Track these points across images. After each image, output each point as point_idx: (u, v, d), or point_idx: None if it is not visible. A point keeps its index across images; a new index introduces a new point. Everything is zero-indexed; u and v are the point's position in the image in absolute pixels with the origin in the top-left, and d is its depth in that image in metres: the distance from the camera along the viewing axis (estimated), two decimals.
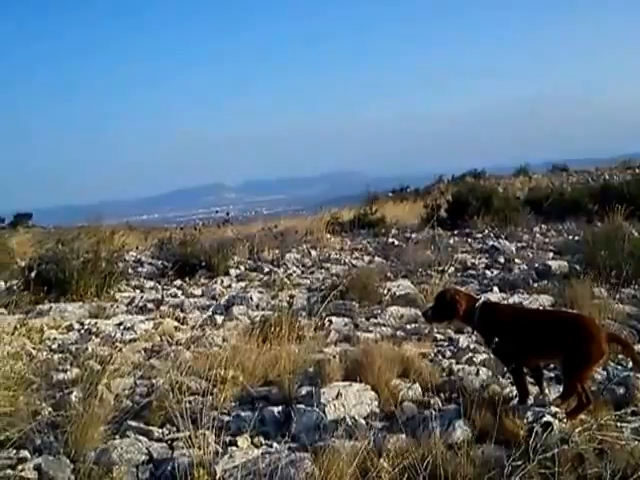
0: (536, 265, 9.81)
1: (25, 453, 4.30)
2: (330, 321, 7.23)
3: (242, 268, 11.82)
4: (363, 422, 4.59)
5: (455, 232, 14.78)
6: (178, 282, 10.65)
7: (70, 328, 7.56)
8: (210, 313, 8.25)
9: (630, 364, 5.22)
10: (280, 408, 4.87)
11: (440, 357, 6.06)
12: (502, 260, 10.76)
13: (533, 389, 4.76)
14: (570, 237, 12.82)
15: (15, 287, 9.34)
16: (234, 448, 4.27)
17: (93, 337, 7.11)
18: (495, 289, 8.54)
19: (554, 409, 4.32)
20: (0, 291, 9.06)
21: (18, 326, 7.29)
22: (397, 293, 8.45)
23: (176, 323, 7.78)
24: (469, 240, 13.59)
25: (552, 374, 5.26)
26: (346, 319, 7.46)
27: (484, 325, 4.74)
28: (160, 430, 4.64)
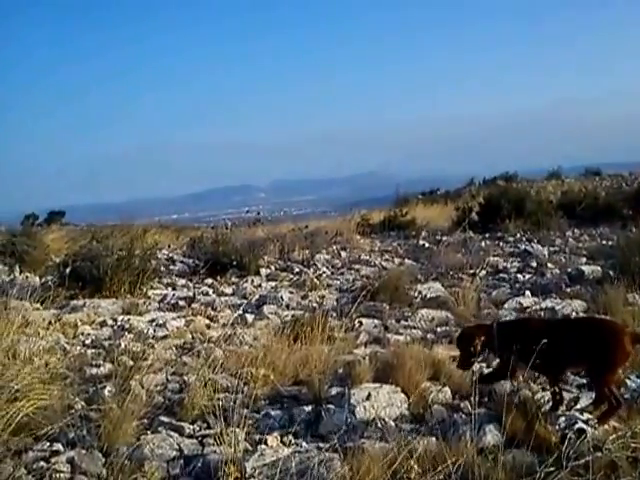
0: (569, 270, 9.69)
1: (58, 446, 4.37)
2: (360, 322, 7.24)
3: (272, 268, 11.87)
4: (393, 424, 4.60)
5: (487, 235, 14.65)
6: (209, 280, 10.72)
7: (103, 324, 7.67)
8: (241, 312, 8.29)
9: None
10: (310, 408, 4.88)
11: None
12: (534, 264, 10.63)
13: (566, 395, 4.72)
14: (604, 242, 12.64)
15: (50, 283, 9.47)
16: (264, 446, 4.29)
17: (126, 333, 7.19)
18: (527, 293, 8.45)
19: (587, 416, 4.28)
20: (35, 287, 9.17)
21: (53, 321, 7.42)
22: (428, 296, 8.42)
23: (207, 321, 7.85)
24: (501, 244, 13.47)
25: (584, 380, 5.20)
26: (376, 321, 7.45)
27: (505, 345, 4.62)
28: (191, 426, 4.68)
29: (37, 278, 10.58)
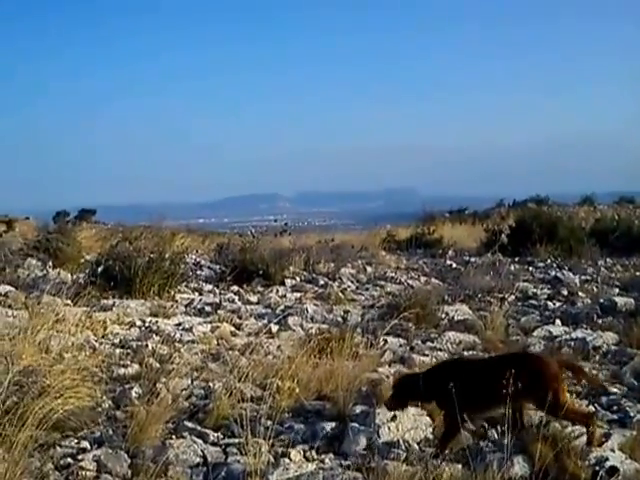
0: (601, 300, 9.50)
1: (85, 444, 4.43)
2: (385, 340, 7.19)
3: (297, 279, 11.87)
4: (417, 447, 4.58)
5: (516, 259, 14.52)
6: (235, 288, 10.76)
7: (132, 324, 7.73)
8: (266, 321, 8.33)
9: None
10: (333, 424, 4.87)
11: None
12: (565, 292, 10.48)
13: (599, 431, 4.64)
14: (637, 273, 12.45)
15: (81, 280, 9.58)
16: (287, 460, 4.30)
17: (153, 335, 7.24)
18: (557, 322, 8.30)
19: (620, 453, 4.21)
20: (67, 283, 9.28)
21: (83, 319, 7.49)
22: (455, 318, 8.35)
23: (233, 328, 7.87)
24: (531, 268, 13.33)
25: (615, 416, 5.12)
26: (401, 340, 7.41)
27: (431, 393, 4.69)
28: (215, 434, 4.70)
29: (69, 275, 10.71)
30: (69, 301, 7.97)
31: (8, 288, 9.22)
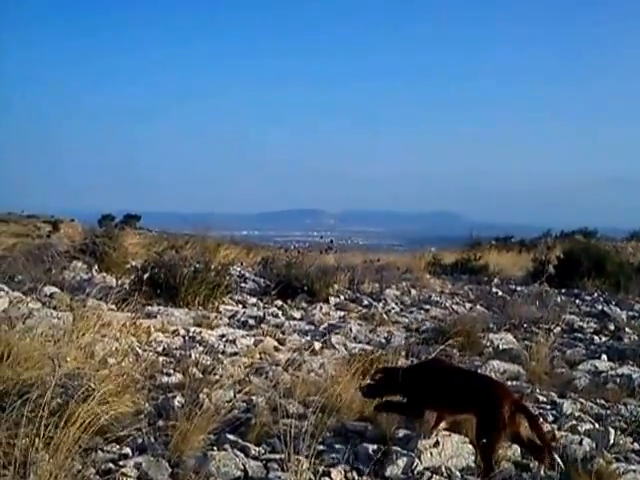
0: None
1: (127, 450, 4.44)
2: None
3: (342, 297, 11.85)
4: (459, 475, 4.51)
5: (563, 291, 14.30)
6: (279, 302, 10.77)
7: (176, 333, 7.78)
8: (309, 338, 8.32)
9: None
10: (375, 447, 4.80)
11: (542, 420, 5.83)
12: (612, 327, 10.29)
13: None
14: None
15: (127, 286, 9.69)
16: (327, 479, 4.26)
17: (197, 345, 7.26)
18: (603, 357, 8.16)
19: None
20: (111, 288, 9.40)
21: (127, 324, 7.57)
22: (500, 347, 8.24)
23: (276, 343, 7.86)
24: (577, 301, 13.10)
25: None
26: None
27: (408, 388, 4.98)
28: (257, 448, 4.67)
29: (114, 280, 10.85)
30: (114, 306, 8.05)
31: (54, 289, 9.38)
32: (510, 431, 4.49)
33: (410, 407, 4.97)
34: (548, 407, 6.23)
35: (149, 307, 8.83)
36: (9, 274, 9.94)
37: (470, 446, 4.82)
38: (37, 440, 3.83)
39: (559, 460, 4.53)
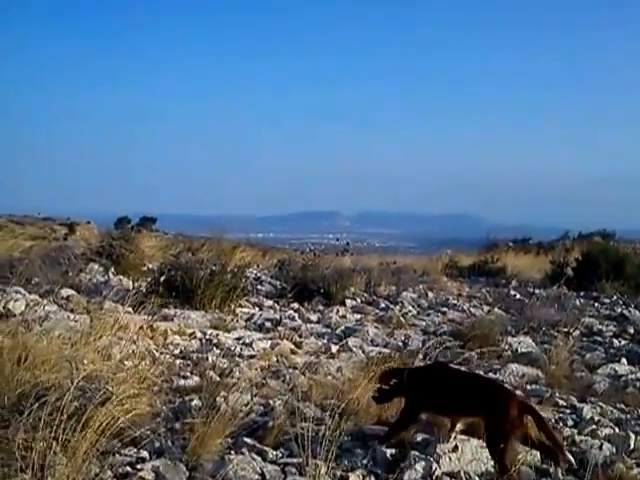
0: None
1: (144, 453, 4.43)
2: None
3: (358, 300, 11.80)
4: None
5: (581, 293, 14.17)
6: (295, 305, 10.75)
7: (192, 336, 7.78)
8: (325, 341, 8.30)
9: None
10: (393, 451, 4.77)
11: (561, 424, 5.77)
12: (631, 331, 10.19)
13: None
14: None
15: (143, 289, 9.70)
16: None
17: (214, 348, 7.26)
18: (623, 361, 8.07)
19: None
20: (128, 290, 9.42)
21: (144, 327, 7.58)
22: (519, 350, 8.17)
23: (292, 346, 7.84)
24: (596, 304, 12.99)
25: None
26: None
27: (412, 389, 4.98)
28: (274, 452, 4.65)
29: (130, 282, 10.87)
30: (130, 309, 8.07)
31: (70, 292, 9.41)
32: (519, 433, 4.46)
33: (406, 410, 4.94)
34: (568, 411, 6.17)
35: (166, 310, 8.84)
36: (26, 277, 9.98)
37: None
38: (55, 443, 3.83)
39: (572, 459, 4.57)
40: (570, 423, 5.83)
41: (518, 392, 5.43)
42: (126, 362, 5.80)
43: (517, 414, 4.44)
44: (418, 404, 4.89)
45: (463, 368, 6.78)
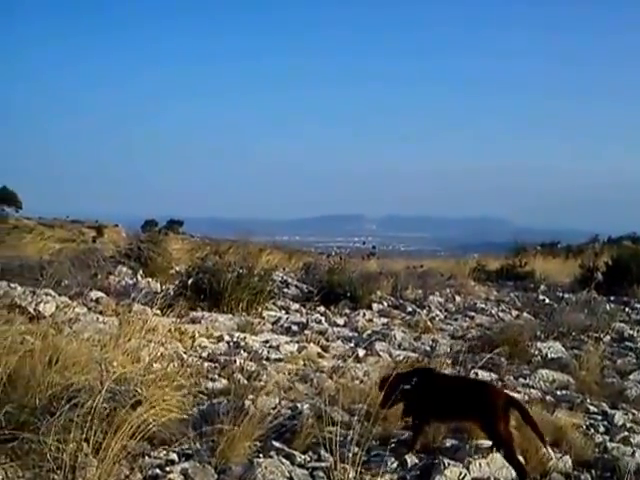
0: None
1: (173, 456, 4.45)
2: (476, 374, 6.99)
3: (385, 304, 11.78)
4: None
5: (612, 298, 13.97)
6: (322, 309, 10.76)
7: (220, 339, 7.82)
8: (352, 345, 8.28)
9: None
10: (422, 456, 4.75)
11: (592, 431, 5.69)
12: None
13: None
14: None
15: (171, 291, 9.76)
16: None
17: (241, 351, 7.29)
18: None
19: None
20: (156, 293, 9.48)
21: (172, 330, 7.62)
22: (549, 355, 8.08)
23: (319, 350, 7.84)
24: (627, 309, 12.78)
25: None
26: (493, 374, 7.19)
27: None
28: (302, 456, 4.64)
29: (158, 285, 10.94)
30: (159, 311, 8.11)
31: (99, 294, 9.51)
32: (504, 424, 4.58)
33: (413, 415, 5.01)
34: (599, 418, 6.09)
35: (193, 312, 8.90)
36: (56, 279, 10.09)
37: (520, 457, 4.72)
38: (85, 445, 3.85)
39: (551, 453, 4.63)
40: (602, 430, 5.75)
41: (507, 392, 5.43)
42: (155, 364, 5.82)
43: (502, 408, 4.58)
44: (420, 411, 4.95)
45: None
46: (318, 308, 10.80)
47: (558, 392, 6.83)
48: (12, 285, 8.89)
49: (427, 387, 4.96)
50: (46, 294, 8.70)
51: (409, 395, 4.91)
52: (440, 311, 11.64)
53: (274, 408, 5.44)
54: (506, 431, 4.56)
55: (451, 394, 4.85)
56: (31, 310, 7.80)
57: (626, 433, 5.54)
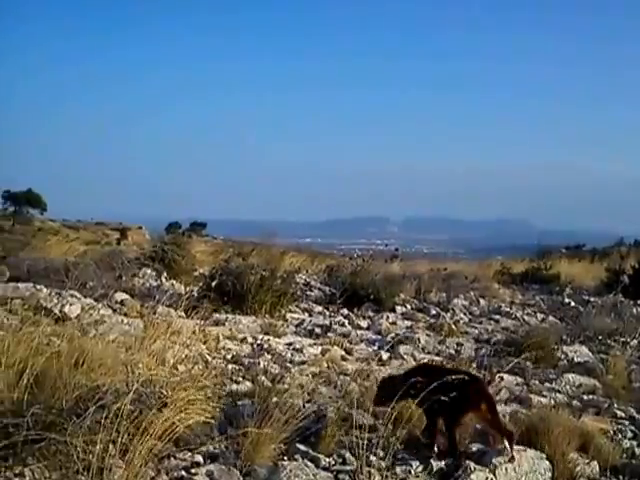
0: None
1: (199, 458, 4.45)
2: (501, 378, 6.93)
3: (408, 307, 11.72)
4: None
5: (638, 302, 13.78)
6: (345, 311, 10.72)
7: (244, 341, 7.82)
8: (376, 348, 8.25)
9: None
10: (447, 461, 4.71)
11: (620, 436, 5.62)
12: None
13: None
14: None
15: (195, 293, 9.79)
16: None
17: (265, 353, 7.29)
18: None
19: None
20: (180, 295, 9.51)
21: (196, 331, 7.64)
22: (575, 359, 8.00)
23: (343, 352, 7.82)
24: None
25: None
26: (518, 378, 7.12)
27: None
28: (327, 459, 4.63)
29: (182, 287, 10.98)
30: (183, 313, 8.14)
31: (124, 296, 9.54)
32: (473, 413, 4.78)
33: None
34: (626, 423, 6.03)
35: (217, 314, 8.91)
36: (81, 281, 10.16)
37: (547, 462, 4.69)
38: (112, 447, 3.87)
39: (509, 448, 4.61)
40: (629, 435, 5.70)
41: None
42: (180, 366, 5.84)
43: (475, 396, 4.70)
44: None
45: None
46: (341, 311, 10.77)
47: (585, 397, 6.76)
48: (38, 287, 8.94)
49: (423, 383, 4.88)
50: (71, 296, 8.74)
51: (412, 393, 4.85)
52: (464, 314, 11.57)
53: (298, 411, 5.44)
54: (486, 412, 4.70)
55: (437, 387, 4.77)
56: (57, 312, 7.83)
57: None
